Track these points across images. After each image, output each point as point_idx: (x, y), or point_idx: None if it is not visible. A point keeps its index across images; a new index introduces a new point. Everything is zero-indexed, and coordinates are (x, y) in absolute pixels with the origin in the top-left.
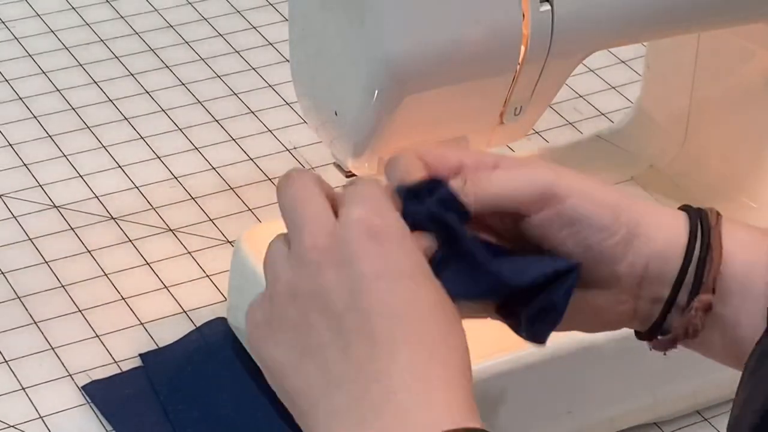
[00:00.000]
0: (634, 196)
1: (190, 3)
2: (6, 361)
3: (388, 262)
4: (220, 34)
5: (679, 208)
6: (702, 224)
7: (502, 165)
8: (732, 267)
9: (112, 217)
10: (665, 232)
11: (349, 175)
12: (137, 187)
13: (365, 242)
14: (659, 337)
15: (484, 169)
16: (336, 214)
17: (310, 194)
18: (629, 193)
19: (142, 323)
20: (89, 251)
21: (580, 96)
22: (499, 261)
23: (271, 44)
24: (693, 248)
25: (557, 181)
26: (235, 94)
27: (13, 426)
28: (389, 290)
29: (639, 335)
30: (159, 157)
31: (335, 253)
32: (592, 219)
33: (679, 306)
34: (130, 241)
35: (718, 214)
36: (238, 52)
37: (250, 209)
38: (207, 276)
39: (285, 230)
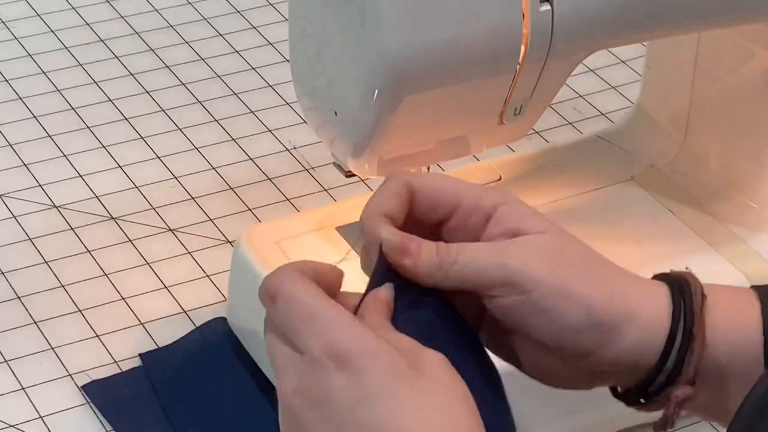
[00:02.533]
0: (614, 273)
1: (190, 3)
2: (6, 361)
3: (362, 388)
4: (220, 34)
5: (664, 280)
6: (685, 310)
7: (498, 213)
8: (715, 354)
9: (112, 217)
10: (645, 328)
11: (349, 174)
12: (137, 187)
13: (335, 376)
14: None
15: (479, 216)
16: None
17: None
18: (610, 274)
19: (142, 323)
20: (89, 251)
21: (580, 96)
22: None
23: (271, 44)
24: (673, 341)
25: (524, 270)
26: (235, 94)
27: (13, 426)
28: (372, 417)
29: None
30: (159, 157)
31: (312, 392)
32: (562, 315)
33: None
34: (130, 241)
35: (703, 294)
36: (238, 52)
37: (250, 209)
38: (207, 276)
39: (284, 230)
